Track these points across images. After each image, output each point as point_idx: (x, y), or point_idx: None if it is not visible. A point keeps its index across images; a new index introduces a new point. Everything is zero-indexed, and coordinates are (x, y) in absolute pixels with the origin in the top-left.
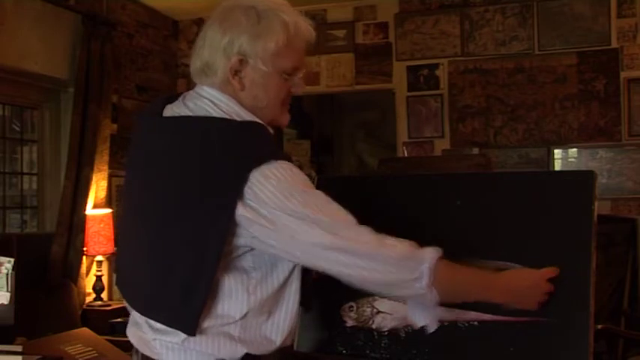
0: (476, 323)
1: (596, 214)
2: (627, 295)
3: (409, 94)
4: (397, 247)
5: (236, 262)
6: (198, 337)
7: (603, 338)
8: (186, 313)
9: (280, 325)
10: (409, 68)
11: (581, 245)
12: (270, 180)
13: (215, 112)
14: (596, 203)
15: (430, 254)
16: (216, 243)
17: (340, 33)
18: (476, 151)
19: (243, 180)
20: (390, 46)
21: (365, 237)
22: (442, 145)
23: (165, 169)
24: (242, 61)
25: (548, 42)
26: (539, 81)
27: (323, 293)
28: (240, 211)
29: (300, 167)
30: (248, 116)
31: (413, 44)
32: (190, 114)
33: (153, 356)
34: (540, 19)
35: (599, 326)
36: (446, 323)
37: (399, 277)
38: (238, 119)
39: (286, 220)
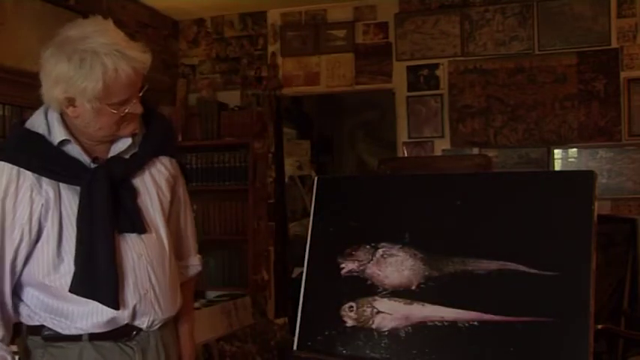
0: (476, 323)
1: (596, 214)
2: (627, 295)
3: (409, 94)
4: None
5: None
6: None
7: (603, 338)
8: None
9: None
10: (409, 68)
11: (581, 245)
12: None
13: (40, 122)
14: (596, 203)
15: None
16: None
17: (340, 33)
18: (476, 151)
19: None
20: (390, 46)
21: None
22: (442, 145)
23: None
24: (70, 99)
25: (548, 42)
26: (539, 81)
27: (323, 293)
28: None
29: (300, 167)
30: (57, 127)
31: (413, 44)
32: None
33: None
34: (540, 19)
35: (599, 326)
36: (446, 323)
37: None
38: (41, 128)
39: None
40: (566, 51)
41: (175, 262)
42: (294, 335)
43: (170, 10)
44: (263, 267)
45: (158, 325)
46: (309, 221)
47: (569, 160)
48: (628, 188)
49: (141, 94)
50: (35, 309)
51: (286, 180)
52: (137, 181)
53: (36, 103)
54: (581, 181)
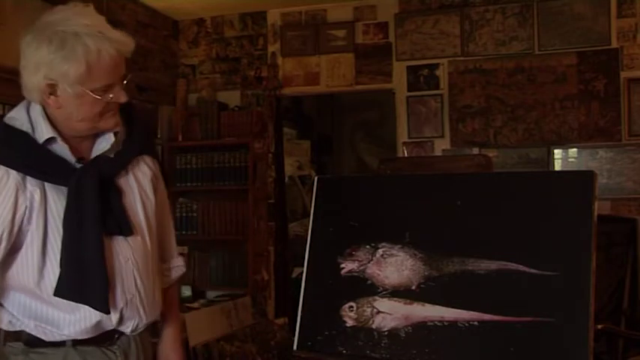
0: (476, 323)
1: (596, 214)
2: (627, 295)
3: (409, 94)
4: None
5: None
6: None
7: (603, 338)
8: None
9: None
10: (409, 68)
11: (581, 245)
12: None
13: (23, 119)
14: (596, 203)
15: None
16: None
17: (340, 33)
18: (476, 151)
19: None
20: (390, 46)
21: None
22: (442, 145)
23: None
24: (52, 85)
25: (548, 42)
26: (539, 81)
27: (323, 293)
28: None
29: (300, 167)
30: (42, 123)
31: (413, 44)
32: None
33: None
34: (540, 19)
35: (599, 326)
36: (446, 323)
37: None
38: (25, 125)
39: None
40: (566, 51)
41: (158, 265)
42: (294, 335)
43: (170, 10)
44: (263, 267)
45: (140, 330)
46: (309, 221)
47: (569, 160)
48: (628, 188)
49: (125, 82)
50: (18, 315)
51: (286, 180)
52: (121, 182)
53: None
54: (581, 181)
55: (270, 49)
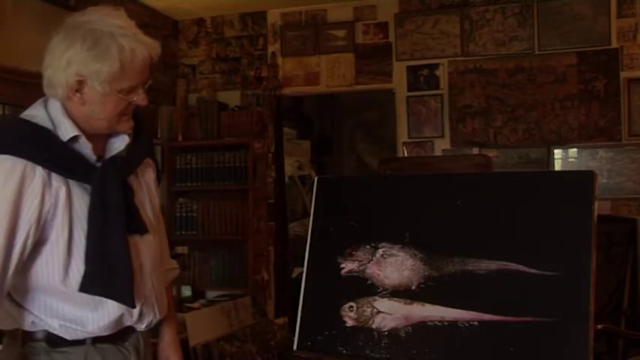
0: (476, 323)
1: (596, 214)
2: (627, 295)
3: (409, 94)
4: None
5: None
6: None
7: (603, 338)
8: None
9: None
10: (409, 68)
11: (581, 245)
12: None
13: (43, 116)
14: (596, 203)
15: None
16: None
17: (340, 33)
18: (476, 151)
19: None
20: (390, 46)
21: None
22: (442, 145)
23: None
24: (80, 82)
25: (548, 42)
26: (539, 81)
27: (323, 293)
28: None
29: (300, 167)
30: (65, 122)
31: (413, 44)
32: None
33: None
34: (540, 19)
35: (599, 326)
36: (446, 323)
37: None
38: (46, 122)
39: None
40: (566, 51)
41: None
42: (294, 335)
43: (170, 10)
44: (263, 267)
45: (152, 326)
46: (309, 221)
47: (569, 160)
48: (628, 188)
49: (146, 87)
50: (41, 315)
51: (286, 180)
52: (132, 181)
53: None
54: (581, 181)
55: (270, 49)
